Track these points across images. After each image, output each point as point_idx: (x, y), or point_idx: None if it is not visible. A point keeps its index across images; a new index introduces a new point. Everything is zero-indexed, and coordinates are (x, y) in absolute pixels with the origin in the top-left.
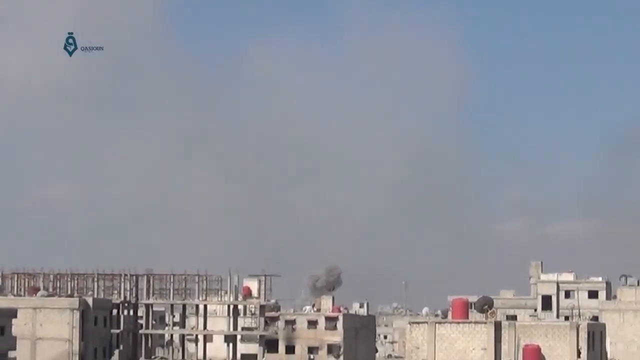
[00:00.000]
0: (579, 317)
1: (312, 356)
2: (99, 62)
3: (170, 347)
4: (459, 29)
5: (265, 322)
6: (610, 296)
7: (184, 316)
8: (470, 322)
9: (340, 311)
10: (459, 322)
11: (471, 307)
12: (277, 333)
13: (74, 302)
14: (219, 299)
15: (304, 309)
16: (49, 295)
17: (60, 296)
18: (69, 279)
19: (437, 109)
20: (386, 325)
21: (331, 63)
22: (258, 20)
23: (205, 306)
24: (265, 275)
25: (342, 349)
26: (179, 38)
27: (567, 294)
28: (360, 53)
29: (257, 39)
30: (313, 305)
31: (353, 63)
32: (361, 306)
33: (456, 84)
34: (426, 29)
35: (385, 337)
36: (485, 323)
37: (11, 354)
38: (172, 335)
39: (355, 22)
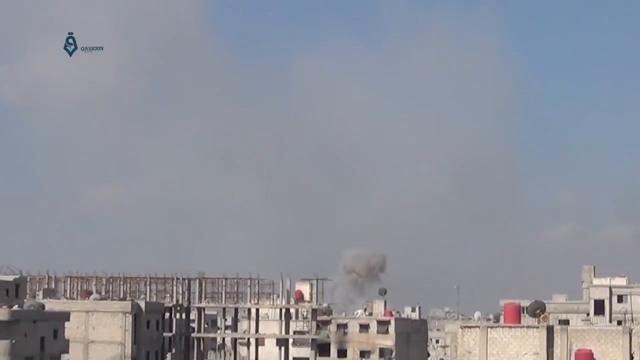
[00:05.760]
0: (632, 321)
1: None
2: (144, 66)
3: (222, 351)
4: (505, 33)
5: (317, 326)
6: None
7: (236, 320)
8: (522, 327)
9: (392, 315)
10: (511, 327)
11: (523, 312)
12: (329, 337)
13: (127, 305)
14: (271, 303)
15: (355, 312)
16: (101, 299)
17: (112, 299)
18: (121, 283)
19: (484, 114)
20: (438, 330)
21: (376, 71)
22: (303, 27)
23: (257, 310)
24: (317, 279)
25: (393, 353)
26: (222, 45)
27: (620, 299)
28: (405, 60)
29: (301, 46)
30: (365, 309)
31: (397, 70)
32: (413, 310)
33: (502, 90)
34: (471, 33)
35: (437, 341)
36: (538, 327)
37: (64, 357)
38: (224, 339)
39: (399, 30)
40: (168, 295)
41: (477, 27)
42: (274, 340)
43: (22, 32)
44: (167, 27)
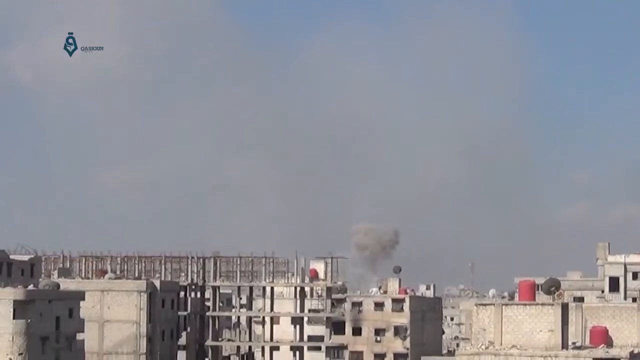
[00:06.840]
0: None
1: (378, 338)
2: (154, 51)
3: (237, 329)
4: (517, 11)
5: (332, 304)
6: None
7: (250, 298)
8: (537, 304)
9: (406, 293)
10: (525, 304)
11: (538, 289)
12: (343, 315)
13: (142, 284)
14: (286, 281)
15: (370, 290)
16: (116, 278)
17: (127, 279)
18: (136, 262)
19: (498, 94)
20: (453, 307)
21: (386, 52)
22: (313, 9)
23: (272, 288)
24: (332, 258)
25: (408, 331)
26: (232, 27)
27: (635, 276)
28: (416, 41)
29: (312, 28)
30: (379, 287)
31: (409, 52)
32: (428, 288)
33: (515, 68)
34: (482, 12)
35: (452, 319)
36: (552, 305)
37: (79, 336)
38: (239, 318)
39: (410, 11)
40: (183, 274)
41: (489, 7)
42: (289, 319)
43: (36, 15)
44: (179, 9)
